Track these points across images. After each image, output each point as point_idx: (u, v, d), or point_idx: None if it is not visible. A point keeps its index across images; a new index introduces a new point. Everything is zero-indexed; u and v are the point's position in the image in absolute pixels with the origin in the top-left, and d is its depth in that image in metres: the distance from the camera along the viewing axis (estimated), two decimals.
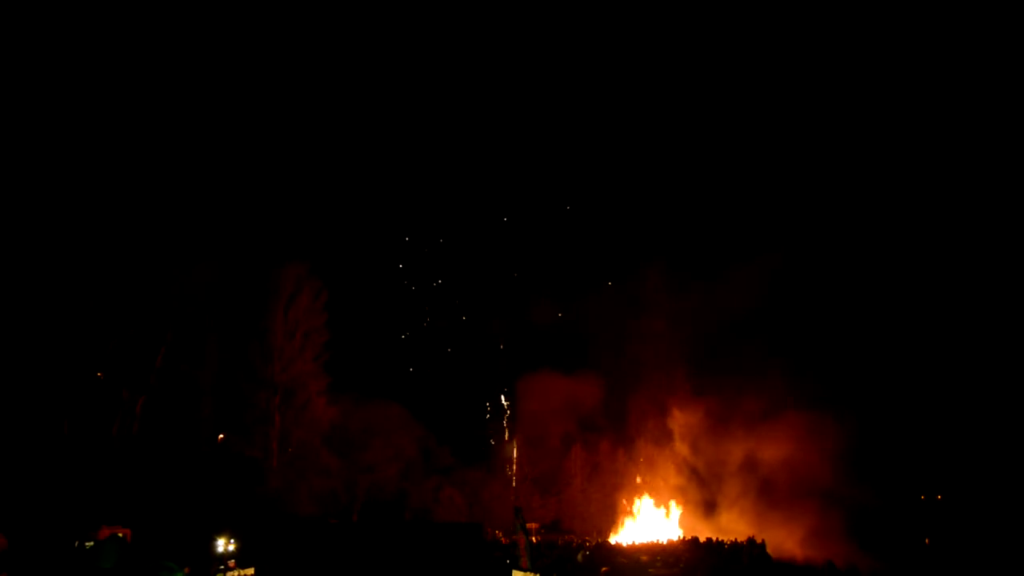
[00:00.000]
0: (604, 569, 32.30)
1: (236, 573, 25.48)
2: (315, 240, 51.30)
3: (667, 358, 51.65)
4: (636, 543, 40.98)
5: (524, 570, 22.63)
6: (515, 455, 53.24)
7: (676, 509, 47.44)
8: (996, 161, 46.66)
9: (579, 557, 34.85)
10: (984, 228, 46.62)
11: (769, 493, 44.12)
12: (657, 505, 47.95)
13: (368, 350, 50.85)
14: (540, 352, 54.37)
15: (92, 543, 27.74)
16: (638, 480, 49.43)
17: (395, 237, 57.31)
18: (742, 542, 38.13)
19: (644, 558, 35.43)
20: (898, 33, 48.11)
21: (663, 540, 41.49)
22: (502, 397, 57.22)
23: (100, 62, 43.33)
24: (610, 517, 48.99)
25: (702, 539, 39.01)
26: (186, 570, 24.86)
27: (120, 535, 27.11)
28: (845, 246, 49.15)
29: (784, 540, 40.13)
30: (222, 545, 29.23)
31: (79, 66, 42.65)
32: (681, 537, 42.20)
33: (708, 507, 46.44)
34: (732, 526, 42.68)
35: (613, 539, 44.84)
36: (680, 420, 49.19)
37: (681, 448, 48.92)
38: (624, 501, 49.26)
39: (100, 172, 41.11)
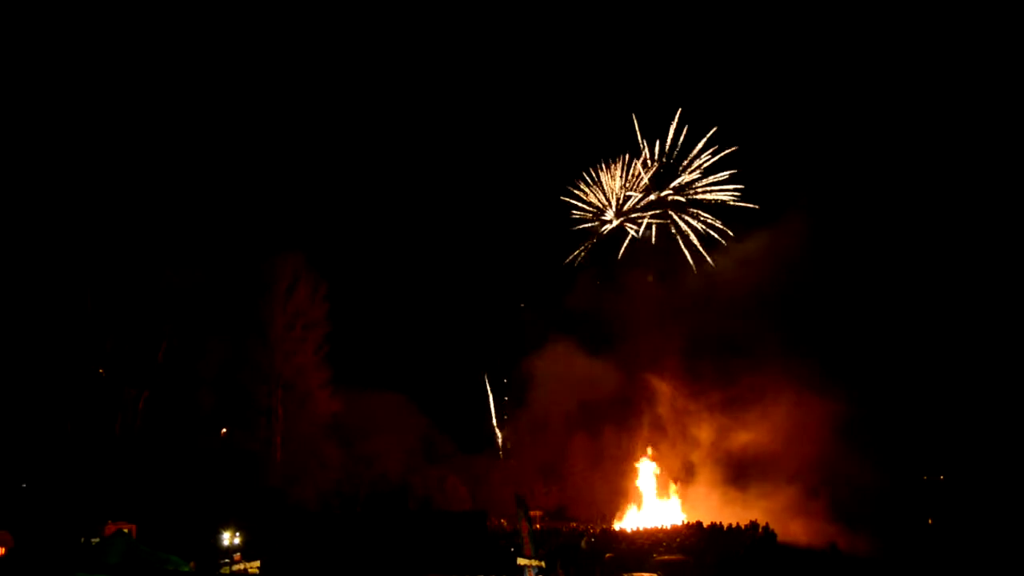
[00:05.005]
0: (608, 555, 32.53)
1: (242, 566, 25.53)
2: (311, 231, 51.23)
3: (667, 341, 51.70)
4: (640, 529, 41.08)
5: (528, 557, 22.68)
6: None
7: (678, 494, 47.55)
8: (986, 151, 46.85)
9: (583, 544, 35.02)
10: (983, 212, 46.65)
11: (767, 474, 44.23)
12: (660, 490, 48.06)
13: (368, 340, 50.84)
14: (545, 338, 54.39)
15: (98, 539, 27.94)
16: (640, 465, 49.44)
17: (394, 227, 57.22)
18: (745, 526, 38.26)
19: (647, 544, 35.61)
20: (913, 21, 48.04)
21: (667, 525, 41.59)
22: (505, 383, 57.40)
23: (98, 63, 43.26)
24: (614, 503, 49.05)
25: (705, 523, 39.12)
26: (191, 564, 25.06)
27: (126, 530, 27.31)
28: (847, 226, 49.11)
29: (787, 522, 40.23)
30: (227, 538, 29.33)
31: (77, 67, 42.57)
32: (685, 522, 42.29)
33: (709, 489, 46.50)
34: (735, 509, 42.73)
35: (617, 525, 44.90)
36: (680, 403, 49.29)
37: (682, 431, 49.00)
38: (627, 487, 49.34)
39: (97, 171, 41.06)
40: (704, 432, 47.64)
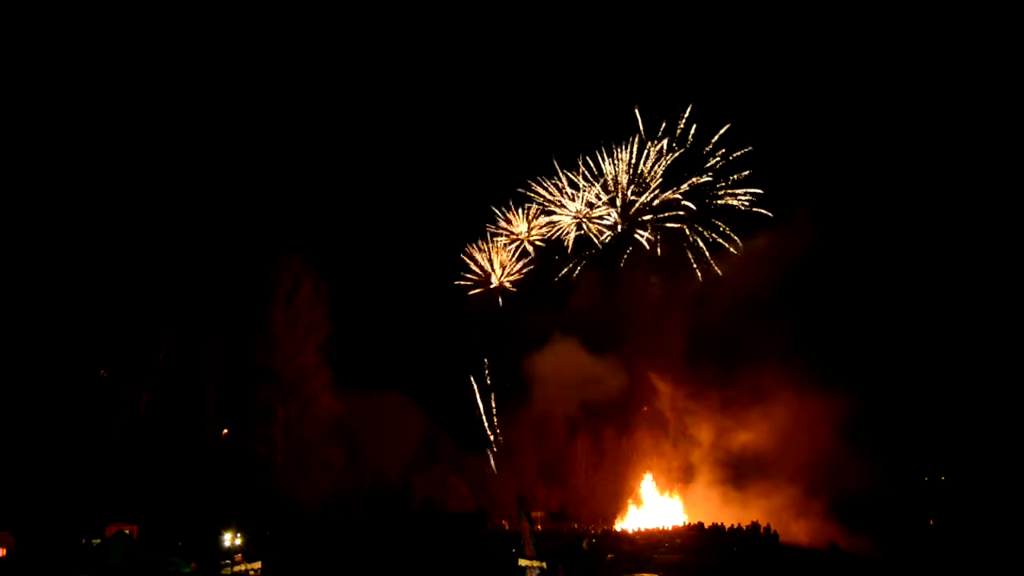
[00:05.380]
0: (609, 556, 32.54)
1: (243, 567, 25.61)
2: (313, 233, 51.13)
3: (668, 341, 51.53)
4: (641, 529, 41.08)
5: (529, 558, 22.74)
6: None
7: (679, 494, 47.49)
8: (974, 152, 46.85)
9: (584, 544, 35.06)
10: (984, 214, 46.56)
11: (768, 474, 44.14)
12: (661, 490, 48.01)
13: (370, 341, 50.77)
14: (546, 338, 54.32)
15: (99, 540, 28.00)
16: (642, 466, 49.39)
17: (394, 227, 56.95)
18: (747, 526, 38.23)
19: (648, 544, 35.62)
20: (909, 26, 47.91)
21: (668, 526, 41.56)
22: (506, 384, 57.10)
23: (100, 66, 43.38)
24: (616, 504, 48.99)
25: (707, 524, 39.12)
26: (193, 565, 25.15)
27: (127, 531, 27.38)
28: (849, 227, 49.03)
29: (789, 522, 40.19)
30: (229, 539, 29.40)
31: (79, 70, 42.69)
32: (686, 522, 42.27)
33: (709, 489, 46.41)
34: (736, 509, 42.70)
35: (619, 526, 44.89)
36: (680, 403, 49.21)
37: (683, 432, 48.92)
38: (629, 488, 49.28)
39: (100, 174, 41.23)
40: (705, 432, 47.53)
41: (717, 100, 51.99)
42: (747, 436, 45.36)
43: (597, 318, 54.22)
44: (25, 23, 41.45)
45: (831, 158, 50.40)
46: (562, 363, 52.33)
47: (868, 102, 50.45)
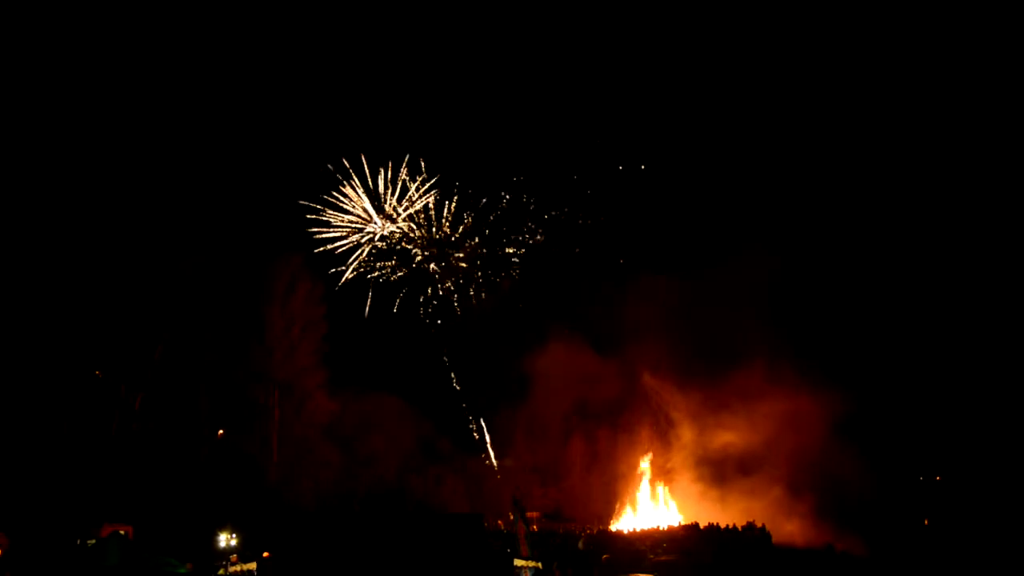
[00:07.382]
0: (605, 556, 32.60)
1: (239, 567, 25.64)
2: (309, 232, 51.02)
3: (660, 341, 51.65)
4: (637, 530, 41.18)
5: (524, 558, 22.81)
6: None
7: (673, 494, 47.61)
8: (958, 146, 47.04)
9: (580, 545, 35.13)
10: (981, 211, 46.68)
11: (763, 474, 44.23)
12: (655, 491, 48.14)
13: (366, 341, 50.77)
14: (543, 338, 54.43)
15: (95, 541, 27.96)
16: (637, 467, 49.49)
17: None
18: (742, 527, 38.34)
19: (644, 545, 35.70)
20: (896, 29, 48.04)
21: (663, 526, 41.66)
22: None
23: (97, 65, 43.31)
24: (611, 504, 49.16)
25: (702, 524, 39.21)
26: (188, 566, 25.12)
27: (122, 532, 27.34)
28: (841, 231, 49.21)
29: (783, 523, 40.26)
30: (224, 540, 29.40)
31: (76, 69, 42.61)
32: (681, 523, 42.38)
33: (704, 489, 46.50)
34: (731, 509, 42.80)
35: (614, 526, 45.03)
36: (672, 403, 49.32)
37: (677, 432, 49.04)
38: (624, 488, 49.44)
39: (97, 173, 41.13)
40: (700, 433, 47.57)
41: None
42: (743, 437, 45.42)
43: (596, 317, 54.49)
44: (23, 22, 41.41)
45: (832, 155, 50.61)
46: (559, 362, 52.45)
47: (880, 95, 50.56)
